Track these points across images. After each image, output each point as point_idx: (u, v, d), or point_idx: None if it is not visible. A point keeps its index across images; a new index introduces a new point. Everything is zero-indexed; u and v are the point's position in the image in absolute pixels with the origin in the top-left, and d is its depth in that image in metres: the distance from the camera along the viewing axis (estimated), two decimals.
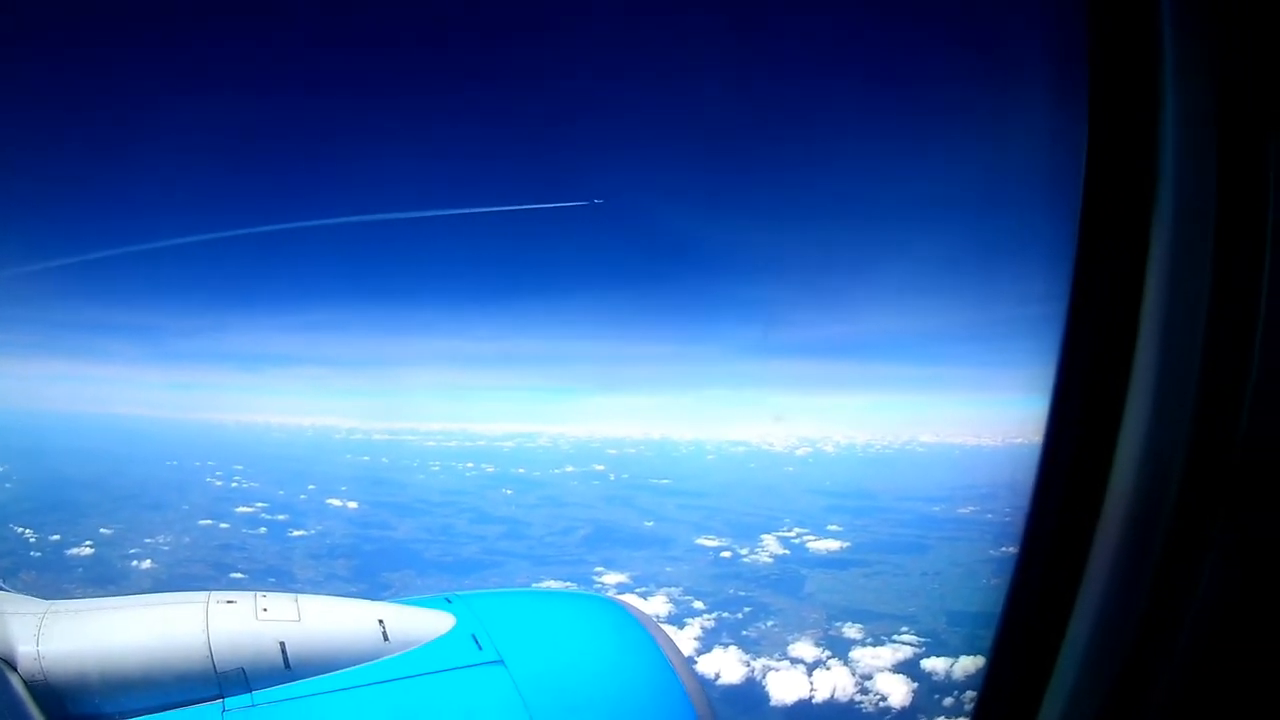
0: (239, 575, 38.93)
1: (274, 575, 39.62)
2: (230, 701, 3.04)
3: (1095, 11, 1.82)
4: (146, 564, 38.90)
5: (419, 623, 3.54)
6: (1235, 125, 1.62)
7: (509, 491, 65.33)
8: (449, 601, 3.76)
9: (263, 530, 47.65)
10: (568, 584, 37.33)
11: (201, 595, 3.36)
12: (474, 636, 3.50)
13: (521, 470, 77.91)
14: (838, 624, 35.08)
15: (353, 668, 3.27)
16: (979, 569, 35.67)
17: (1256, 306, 1.60)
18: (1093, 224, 1.83)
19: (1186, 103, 1.66)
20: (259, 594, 3.45)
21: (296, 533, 47.75)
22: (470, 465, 79.05)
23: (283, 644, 3.20)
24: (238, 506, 51.41)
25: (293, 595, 3.51)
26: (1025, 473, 1.97)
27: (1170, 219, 1.68)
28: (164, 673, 3.03)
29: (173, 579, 36.79)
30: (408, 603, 3.73)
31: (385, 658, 3.34)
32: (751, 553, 45.58)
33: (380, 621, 3.43)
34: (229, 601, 3.33)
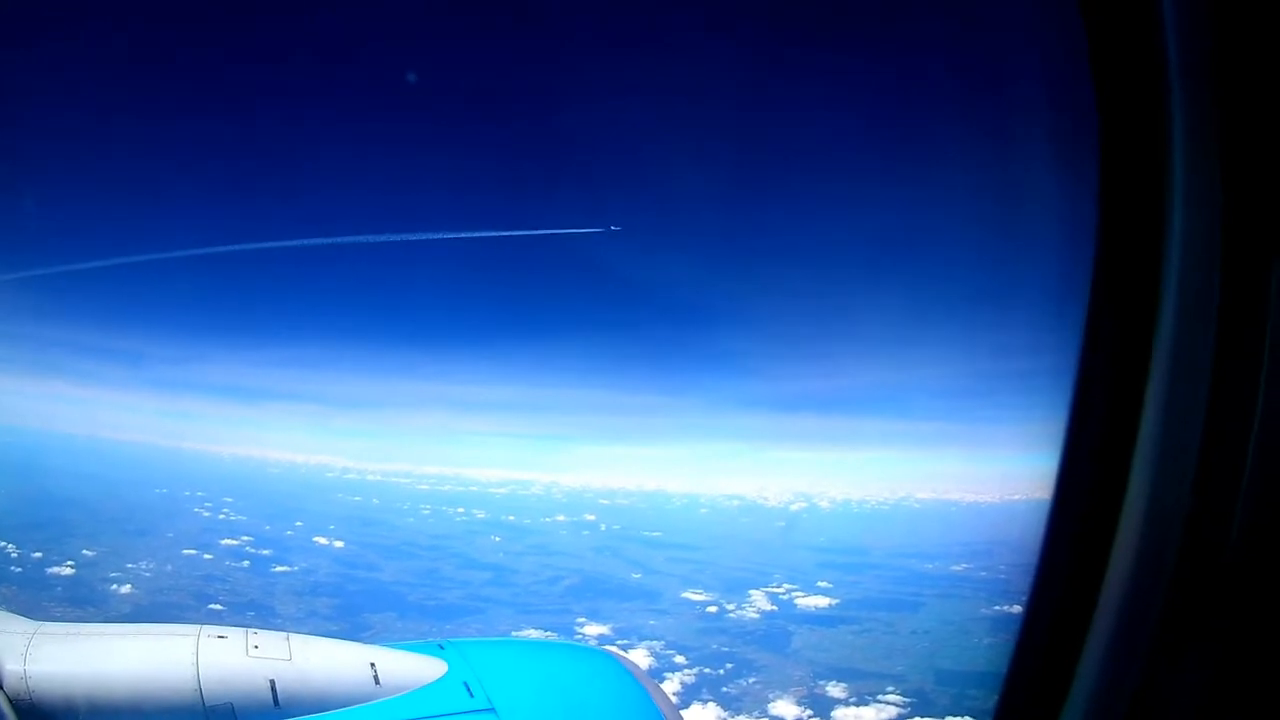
0: (217, 607, 38.39)
1: (254, 609, 39.02)
2: None
3: (1102, 90, 1.83)
4: (126, 589, 38.61)
5: (411, 667, 3.53)
6: (1241, 243, 1.63)
7: (498, 538, 64.71)
8: (441, 648, 3.76)
9: (246, 564, 47.08)
10: (548, 633, 37.01)
11: (193, 628, 3.35)
12: (466, 684, 3.49)
13: (512, 517, 77.29)
14: (821, 682, 34.46)
15: (343, 709, 3.25)
16: (970, 628, 35.55)
17: (1255, 392, 1.61)
18: (1102, 289, 1.84)
19: (1192, 214, 1.67)
20: (250, 630, 3.45)
21: (280, 568, 47.29)
22: (461, 510, 78.37)
23: (273, 682, 3.18)
24: (223, 538, 50.93)
25: (284, 634, 3.51)
26: (1020, 530, 2.00)
27: (1176, 288, 1.69)
28: (151, 703, 3.02)
29: (152, 606, 36.49)
30: (400, 647, 3.74)
31: (376, 700, 3.32)
32: (738, 608, 44.93)
33: (372, 664, 3.43)
34: (220, 636, 3.32)
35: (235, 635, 3.38)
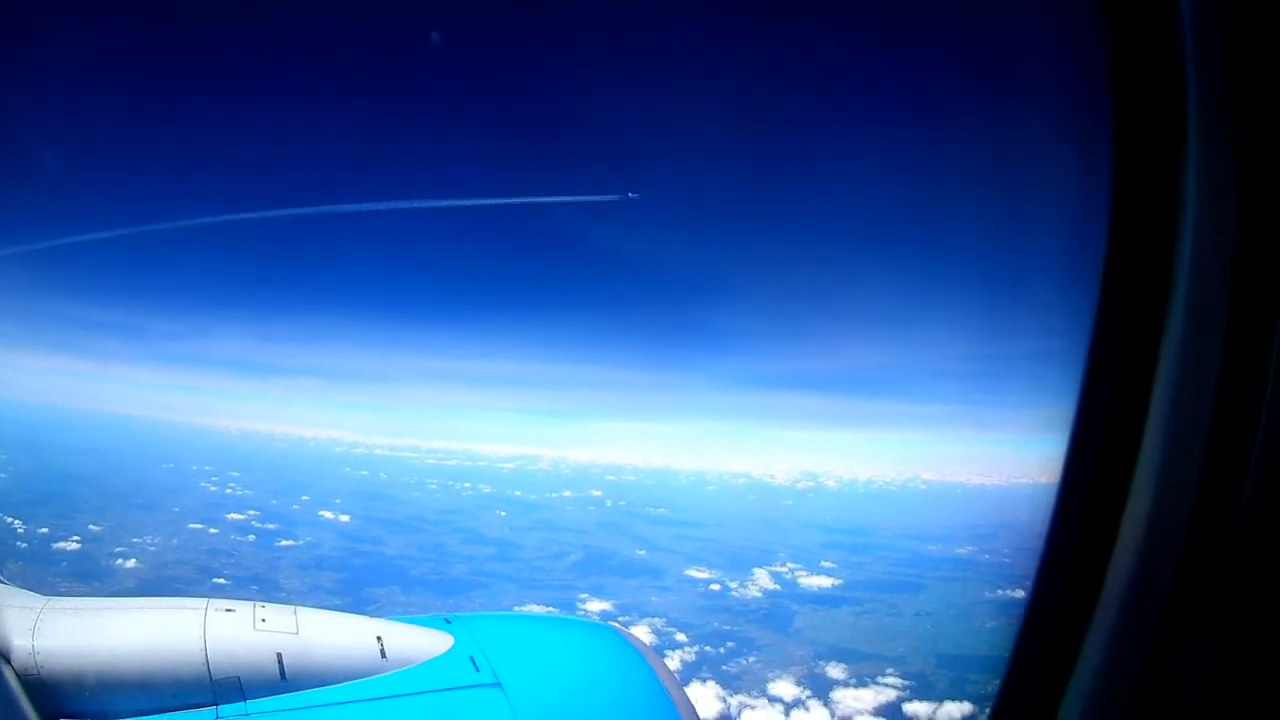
0: (222, 581, 38.69)
1: (258, 583, 39.47)
2: (225, 709, 3.03)
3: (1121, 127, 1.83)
4: (131, 563, 38.99)
5: (417, 641, 3.53)
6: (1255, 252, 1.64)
7: (503, 513, 65.18)
8: (448, 622, 3.75)
9: (251, 538, 47.51)
10: (550, 609, 37.11)
11: (200, 601, 3.35)
12: (472, 658, 3.50)
13: (518, 493, 77.76)
14: (822, 663, 34.64)
15: (349, 683, 3.25)
16: (973, 611, 35.68)
17: (1263, 387, 1.62)
18: (1113, 278, 1.84)
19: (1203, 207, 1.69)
20: (257, 604, 3.44)
21: (285, 542, 47.71)
22: (468, 485, 78.84)
23: (280, 655, 3.19)
24: (229, 513, 51.38)
25: (291, 607, 3.51)
26: (1026, 514, 2.01)
27: (1187, 281, 1.70)
28: (160, 676, 3.02)
29: (157, 580, 36.82)
30: (406, 621, 3.73)
31: (382, 674, 3.33)
32: (741, 586, 45.23)
33: (379, 638, 3.43)
34: (228, 610, 3.32)
35: (243, 608, 3.37)
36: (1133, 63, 1.82)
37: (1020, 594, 2.00)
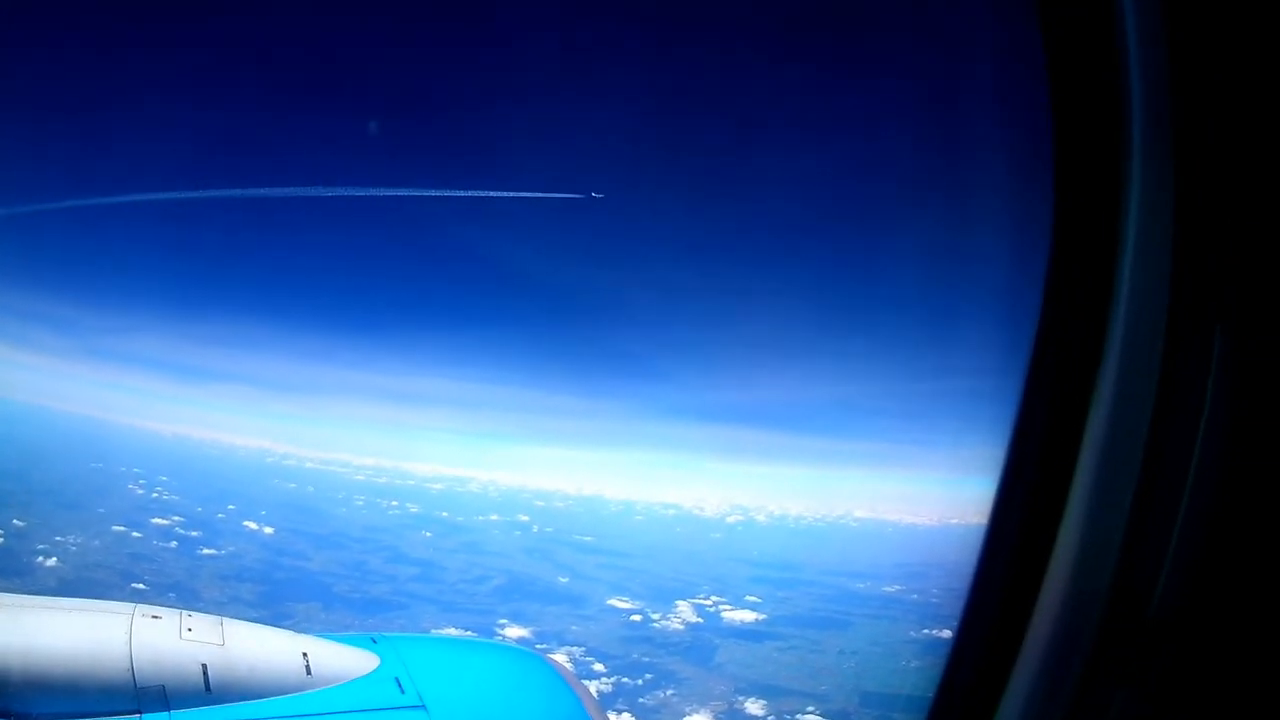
0: (141, 586, 37.54)
1: (176, 591, 38.50)
2: (148, 718, 3.00)
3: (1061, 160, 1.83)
4: (52, 561, 38.25)
5: (343, 660, 3.51)
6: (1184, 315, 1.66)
7: (429, 534, 64.18)
8: (374, 641, 3.75)
9: (174, 544, 46.61)
10: (468, 633, 36.84)
11: (126, 606, 3.29)
12: (397, 679, 3.47)
13: (445, 514, 76.10)
14: (741, 698, 34.49)
15: (274, 698, 3.21)
16: (898, 650, 34.29)
17: (1194, 434, 1.64)
18: (1049, 322, 1.84)
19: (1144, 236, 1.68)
20: (184, 613, 3.39)
21: (207, 551, 46.87)
22: (395, 503, 77.09)
23: (205, 666, 3.14)
24: (154, 517, 50.25)
25: (218, 618, 3.47)
26: (956, 554, 1.99)
27: (1122, 327, 1.69)
28: (83, 680, 2.96)
29: (78, 581, 36.00)
30: (333, 639, 3.72)
31: (307, 691, 3.28)
32: (663, 618, 44.71)
33: (304, 654, 3.41)
34: (154, 616, 3.27)
35: (169, 616, 3.33)
36: (1072, 120, 1.80)
37: (947, 634, 2.00)
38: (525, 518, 79.09)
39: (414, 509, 75.87)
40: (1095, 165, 1.73)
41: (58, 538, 41.39)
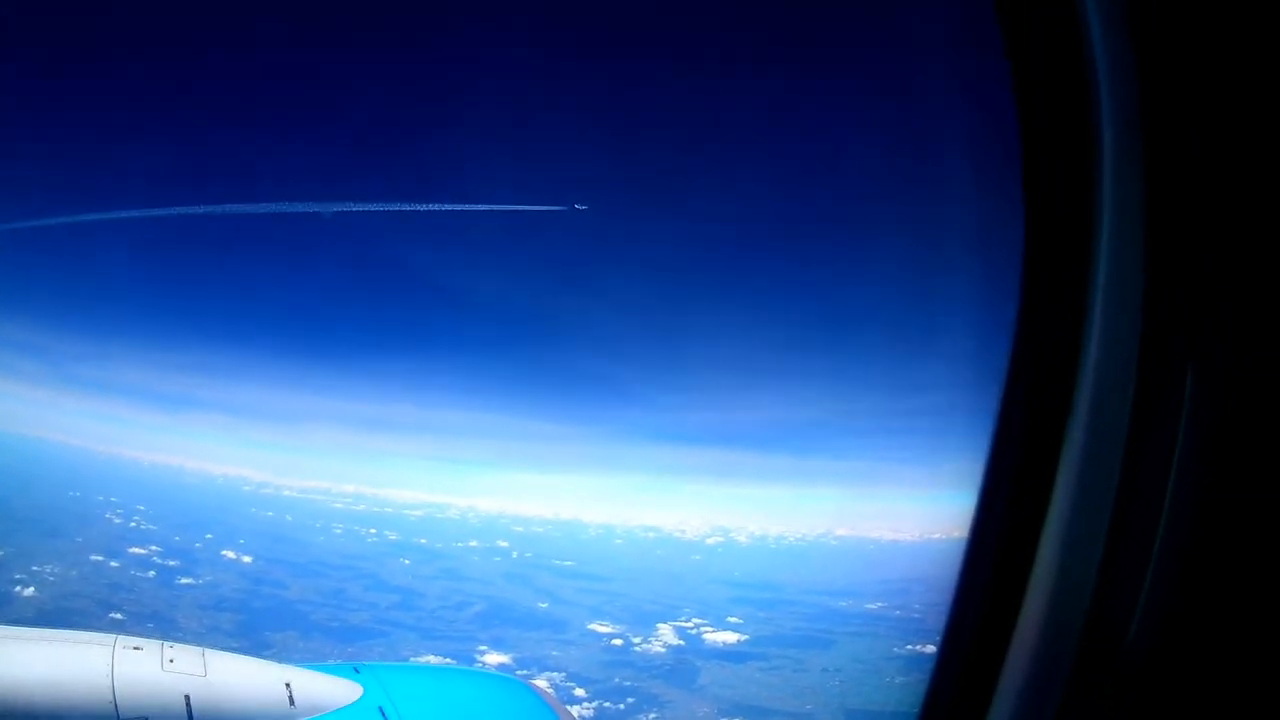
0: (119, 616, 37.41)
1: (154, 620, 38.43)
2: None
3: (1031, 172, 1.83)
4: (30, 591, 38.06)
5: (326, 690, 3.53)
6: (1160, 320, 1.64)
7: (407, 561, 63.78)
8: (357, 671, 3.78)
9: (152, 574, 46.37)
10: (448, 660, 36.69)
11: (108, 637, 3.30)
12: (381, 709, 3.49)
13: (424, 541, 75.51)
14: None
15: None
16: (882, 667, 34.73)
17: (1170, 455, 1.62)
18: (1025, 340, 1.84)
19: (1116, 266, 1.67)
20: (165, 643, 3.37)
21: (185, 580, 46.60)
22: (374, 531, 76.39)
23: (188, 697, 3.14)
24: (131, 546, 49.86)
25: (200, 649, 3.46)
26: (937, 569, 1.99)
27: (1098, 342, 1.68)
28: (67, 712, 2.95)
29: (56, 611, 35.77)
30: (315, 668, 3.74)
31: None
32: (645, 641, 44.60)
33: (287, 685, 3.43)
34: (136, 648, 3.25)
35: (151, 647, 3.30)
36: (1040, 131, 1.80)
37: (930, 649, 1.99)
38: (504, 543, 78.48)
39: (393, 536, 75.27)
40: (1065, 175, 1.73)
41: (35, 567, 41.14)
